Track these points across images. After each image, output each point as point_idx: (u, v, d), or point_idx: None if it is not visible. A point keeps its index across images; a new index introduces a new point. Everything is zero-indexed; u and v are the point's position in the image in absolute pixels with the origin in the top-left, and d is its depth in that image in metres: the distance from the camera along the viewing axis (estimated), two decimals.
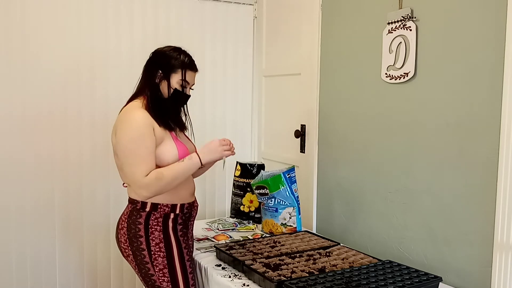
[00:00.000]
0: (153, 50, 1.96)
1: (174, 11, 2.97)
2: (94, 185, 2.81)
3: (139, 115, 1.80)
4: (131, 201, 1.91)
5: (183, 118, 2.04)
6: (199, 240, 2.28)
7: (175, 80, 1.90)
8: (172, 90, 1.90)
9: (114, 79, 2.80)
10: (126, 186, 1.96)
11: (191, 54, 1.96)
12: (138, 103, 1.88)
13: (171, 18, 2.96)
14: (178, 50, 1.93)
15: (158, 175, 1.77)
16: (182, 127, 2.02)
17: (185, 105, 2.02)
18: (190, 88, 1.98)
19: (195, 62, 1.96)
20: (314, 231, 2.64)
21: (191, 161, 1.86)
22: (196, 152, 1.89)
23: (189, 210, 1.98)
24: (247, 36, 3.24)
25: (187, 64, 1.91)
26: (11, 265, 2.63)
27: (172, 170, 1.82)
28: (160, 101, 1.89)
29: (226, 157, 1.95)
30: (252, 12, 3.24)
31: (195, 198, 2.06)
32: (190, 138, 2.08)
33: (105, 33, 2.77)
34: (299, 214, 2.36)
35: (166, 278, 1.85)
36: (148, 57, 1.96)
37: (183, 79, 1.91)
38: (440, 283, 1.71)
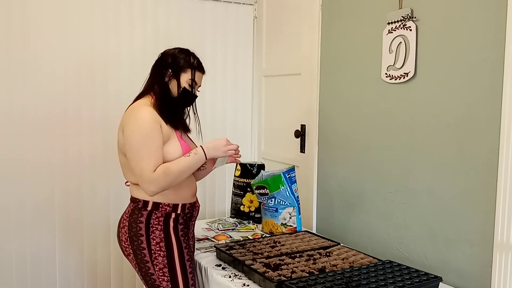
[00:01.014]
0: (153, 50, 1.98)
1: (174, 11, 2.96)
2: (94, 185, 2.81)
3: (147, 112, 1.82)
4: (133, 199, 1.91)
5: (188, 119, 2.06)
6: (199, 240, 2.28)
7: (185, 79, 1.92)
8: (181, 89, 1.92)
9: (114, 79, 2.79)
10: (129, 185, 1.96)
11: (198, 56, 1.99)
12: (146, 100, 1.90)
13: (171, 18, 2.95)
14: (186, 51, 1.96)
15: (165, 170, 1.78)
16: (186, 129, 2.03)
17: (194, 105, 2.04)
18: (197, 90, 1.99)
19: (203, 64, 1.99)
20: (314, 231, 2.64)
21: (197, 155, 1.87)
22: (201, 146, 1.91)
23: (191, 210, 1.99)
24: (247, 36, 3.24)
25: (196, 64, 1.95)
26: (11, 265, 2.63)
27: (179, 164, 1.83)
28: (168, 99, 1.91)
29: (228, 161, 1.99)
30: (252, 12, 3.24)
31: (197, 199, 2.06)
32: (197, 137, 2.09)
33: (105, 33, 2.77)
34: (299, 214, 2.36)
35: (166, 278, 1.85)
36: (149, 58, 1.98)
37: (192, 79, 1.93)
38: (440, 283, 1.71)
